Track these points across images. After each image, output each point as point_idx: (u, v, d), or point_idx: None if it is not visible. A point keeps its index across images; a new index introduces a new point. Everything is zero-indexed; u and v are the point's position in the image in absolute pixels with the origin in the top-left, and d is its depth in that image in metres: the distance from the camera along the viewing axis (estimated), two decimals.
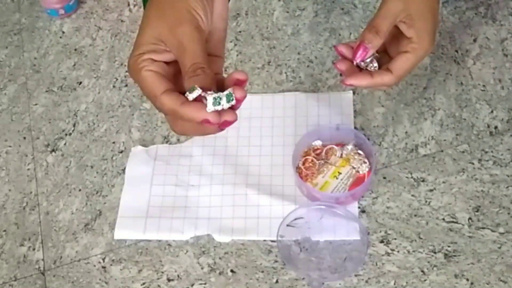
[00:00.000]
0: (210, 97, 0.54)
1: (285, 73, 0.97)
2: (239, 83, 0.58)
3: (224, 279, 0.81)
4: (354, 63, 0.72)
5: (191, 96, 0.55)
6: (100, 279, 0.83)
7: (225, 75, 0.60)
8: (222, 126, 0.56)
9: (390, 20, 0.71)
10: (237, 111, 0.99)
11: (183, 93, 0.56)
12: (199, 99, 0.55)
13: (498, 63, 0.94)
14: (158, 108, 0.57)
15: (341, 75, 0.95)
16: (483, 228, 0.80)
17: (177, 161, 0.91)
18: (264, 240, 0.83)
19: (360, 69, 0.73)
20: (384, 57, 0.74)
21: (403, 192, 0.84)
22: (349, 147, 0.87)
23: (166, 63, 0.59)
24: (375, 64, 0.72)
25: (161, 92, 0.56)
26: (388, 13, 0.71)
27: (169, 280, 0.82)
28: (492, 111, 0.89)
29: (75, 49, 1.06)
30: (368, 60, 0.72)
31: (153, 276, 0.82)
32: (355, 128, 0.90)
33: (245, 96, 0.56)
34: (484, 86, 0.92)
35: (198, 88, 0.55)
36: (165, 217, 0.86)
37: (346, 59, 0.73)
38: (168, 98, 0.56)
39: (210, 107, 0.54)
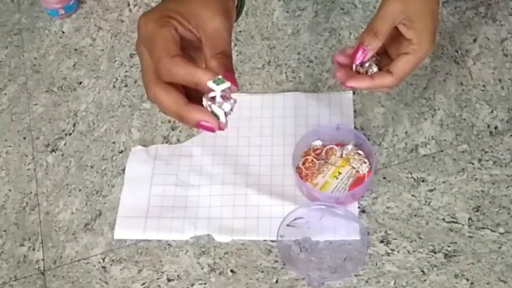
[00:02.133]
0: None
1: (285, 73, 0.97)
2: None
3: (224, 279, 0.81)
4: (353, 66, 0.72)
5: (219, 88, 0.56)
6: (100, 279, 0.83)
7: None
8: (197, 126, 0.58)
9: (389, 22, 0.71)
10: (237, 111, 0.99)
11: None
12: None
13: (498, 63, 0.94)
14: (157, 69, 0.58)
15: None
16: (483, 228, 0.80)
17: (177, 161, 0.91)
18: (264, 240, 0.83)
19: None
20: (384, 59, 0.75)
21: (403, 192, 0.84)
22: (349, 147, 0.87)
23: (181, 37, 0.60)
24: (375, 69, 0.72)
25: (174, 55, 0.57)
26: (386, 15, 0.71)
27: (169, 280, 0.82)
28: (492, 111, 0.89)
29: (75, 49, 1.06)
30: (367, 64, 0.72)
31: (153, 276, 0.82)
32: (355, 128, 0.90)
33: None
34: (484, 86, 0.92)
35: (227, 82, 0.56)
36: (165, 217, 0.86)
37: (344, 66, 0.73)
38: (182, 63, 0.57)
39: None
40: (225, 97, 0.57)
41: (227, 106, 0.57)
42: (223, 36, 0.60)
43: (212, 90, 0.57)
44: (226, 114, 0.58)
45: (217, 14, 0.60)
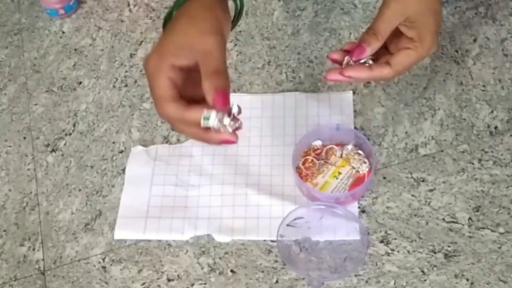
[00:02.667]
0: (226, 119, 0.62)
1: (285, 73, 0.97)
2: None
3: (224, 279, 0.81)
4: (345, 59, 0.73)
5: (205, 123, 0.61)
6: (100, 279, 0.83)
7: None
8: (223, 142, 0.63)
9: (389, 24, 0.71)
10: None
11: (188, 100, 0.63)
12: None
13: (498, 63, 0.94)
14: (161, 111, 0.63)
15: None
16: (483, 228, 0.80)
17: (177, 161, 0.91)
18: (264, 240, 0.83)
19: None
20: (384, 53, 0.74)
21: (403, 192, 0.84)
22: (349, 147, 0.87)
23: (180, 69, 0.64)
24: (370, 63, 0.73)
25: (170, 99, 0.62)
26: (386, 17, 0.72)
27: (169, 280, 0.82)
28: (492, 111, 0.89)
29: (75, 49, 1.06)
30: (363, 61, 0.73)
31: (153, 276, 0.82)
32: (355, 128, 0.90)
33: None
34: (484, 86, 0.92)
35: (213, 113, 0.61)
36: (165, 217, 0.86)
37: (339, 63, 0.74)
38: (174, 104, 0.62)
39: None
40: (230, 116, 0.62)
41: (233, 124, 0.62)
42: (214, 55, 0.63)
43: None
44: (237, 129, 0.63)
45: (205, 34, 0.63)
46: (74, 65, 1.04)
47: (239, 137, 0.93)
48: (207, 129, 0.62)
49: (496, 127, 0.88)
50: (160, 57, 0.63)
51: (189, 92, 0.64)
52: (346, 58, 0.73)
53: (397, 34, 0.73)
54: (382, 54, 0.74)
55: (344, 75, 0.72)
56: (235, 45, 1.02)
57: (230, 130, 0.62)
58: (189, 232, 0.84)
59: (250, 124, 0.93)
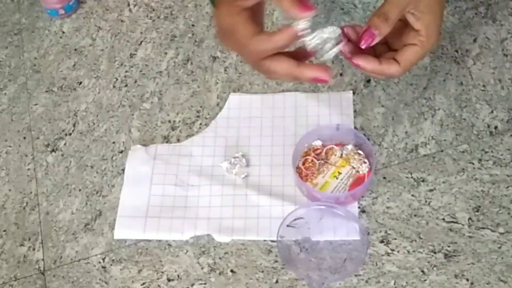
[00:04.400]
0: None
1: None
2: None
3: (224, 279, 0.81)
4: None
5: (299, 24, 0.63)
6: (100, 279, 0.83)
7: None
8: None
9: (400, 8, 0.69)
10: (237, 111, 0.99)
11: None
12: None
13: (498, 63, 0.94)
14: (252, 49, 0.66)
15: (341, 75, 0.95)
16: (483, 228, 0.80)
17: (177, 160, 0.91)
18: (264, 240, 0.83)
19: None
20: (383, 49, 0.74)
21: (403, 192, 0.84)
22: (349, 147, 0.87)
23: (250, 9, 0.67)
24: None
25: (253, 34, 0.65)
26: (397, 1, 0.69)
27: (169, 280, 0.82)
28: (492, 111, 0.89)
29: (75, 49, 1.06)
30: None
31: (153, 276, 0.82)
32: (355, 128, 0.90)
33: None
34: (484, 86, 0.92)
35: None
36: (165, 217, 0.86)
37: (351, 42, 0.71)
38: (262, 36, 0.65)
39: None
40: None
41: (325, 33, 0.65)
42: None
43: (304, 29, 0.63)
44: (329, 43, 0.66)
45: None
46: (74, 65, 1.04)
47: (239, 137, 0.93)
48: (299, 64, 0.65)
49: (496, 127, 0.88)
50: (229, 4, 0.66)
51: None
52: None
53: (398, 27, 0.72)
54: (382, 51, 0.74)
55: (353, 62, 0.70)
56: None
57: (332, 53, 0.65)
58: (189, 232, 0.84)
59: (250, 124, 0.93)
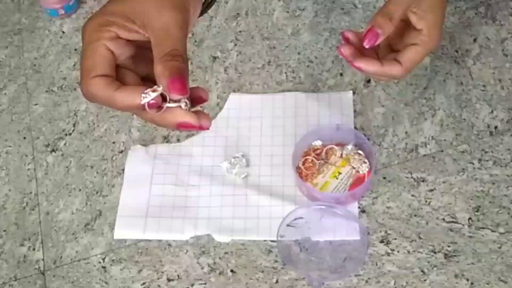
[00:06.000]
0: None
1: (285, 73, 0.97)
2: (200, 101, 0.55)
3: (224, 279, 0.81)
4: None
5: (147, 98, 0.52)
6: (100, 279, 0.83)
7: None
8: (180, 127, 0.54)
9: (403, 7, 0.69)
10: (237, 111, 0.99)
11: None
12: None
13: (498, 63, 0.94)
14: (84, 89, 0.54)
15: (341, 75, 0.95)
16: (483, 228, 0.80)
17: (177, 160, 0.91)
18: (264, 240, 0.83)
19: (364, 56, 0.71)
20: (385, 51, 0.74)
21: (403, 192, 0.84)
22: (349, 147, 0.87)
23: (128, 42, 0.55)
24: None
25: (97, 74, 0.53)
26: (401, 0, 0.69)
27: (169, 280, 0.82)
28: (492, 111, 0.89)
29: (75, 49, 1.06)
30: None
31: (153, 276, 0.82)
32: (355, 128, 0.90)
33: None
34: (484, 86, 0.92)
35: (159, 90, 0.51)
36: (165, 217, 0.86)
37: (350, 45, 0.70)
38: (103, 82, 0.52)
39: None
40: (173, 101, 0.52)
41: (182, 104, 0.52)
42: (172, 33, 0.53)
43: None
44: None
45: (165, 7, 0.54)
46: (74, 65, 1.04)
47: (239, 137, 0.93)
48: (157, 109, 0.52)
49: (496, 127, 0.88)
50: (103, 23, 0.53)
51: (143, 71, 0.56)
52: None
53: (401, 29, 0.72)
54: (385, 53, 0.74)
55: (355, 65, 0.69)
56: (235, 45, 1.02)
57: (184, 107, 0.52)
58: (189, 232, 0.84)
59: (250, 124, 0.93)
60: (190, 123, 0.53)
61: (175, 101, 0.52)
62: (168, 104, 0.52)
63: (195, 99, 0.55)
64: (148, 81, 0.55)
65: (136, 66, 0.56)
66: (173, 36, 0.53)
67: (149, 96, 0.52)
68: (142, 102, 0.52)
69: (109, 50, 0.54)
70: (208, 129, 0.54)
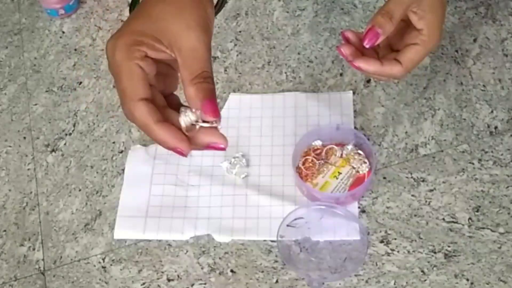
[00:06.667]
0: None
1: (285, 73, 0.97)
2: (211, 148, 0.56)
3: (224, 279, 0.81)
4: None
5: (187, 119, 0.53)
6: (100, 279, 0.83)
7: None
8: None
9: (403, 7, 0.69)
10: (237, 111, 1.00)
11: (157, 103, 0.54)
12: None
13: (498, 63, 0.94)
14: (126, 110, 0.54)
15: (341, 75, 0.95)
16: (483, 228, 0.80)
17: (177, 160, 0.90)
18: (264, 240, 0.83)
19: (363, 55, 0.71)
20: (385, 51, 0.74)
21: (403, 192, 0.84)
22: (349, 147, 0.87)
23: (155, 60, 0.55)
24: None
25: (140, 98, 0.53)
26: (401, 0, 0.69)
27: (169, 280, 0.82)
28: (492, 111, 0.89)
29: (75, 49, 1.06)
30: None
31: (153, 276, 0.82)
32: (355, 128, 0.90)
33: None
34: (484, 86, 0.92)
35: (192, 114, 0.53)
36: (165, 217, 0.86)
37: (350, 44, 0.70)
38: (146, 108, 0.53)
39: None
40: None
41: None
42: (201, 54, 0.54)
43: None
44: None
45: (192, 27, 0.54)
46: (74, 65, 1.04)
47: (239, 137, 0.93)
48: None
49: (496, 127, 0.88)
50: (133, 42, 0.53)
51: (160, 87, 0.56)
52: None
53: (402, 29, 0.72)
54: (385, 53, 0.74)
55: (355, 65, 0.69)
56: (235, 45, 1.02)
57: (218, 125, 0.54)
58: (189, 232, 0.84)
59: (250, 124, 0.93)
60: (219, 145, 0.55)
61: (205, 121, 0.54)
62: (202, 124, 0.53)
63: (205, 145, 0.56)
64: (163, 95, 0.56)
65: (156, 82, 0.56)
66: (202, 57, 0.54)
67: (190, 119, 0.53)
68: (183, 125, 0.54)
69: (143, 70, 0.54)
70: (225, 149, 0.56)
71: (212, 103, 0.53)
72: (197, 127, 0.54)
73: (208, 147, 0.54)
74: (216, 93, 0.54)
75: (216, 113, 0.53)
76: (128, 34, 0.55)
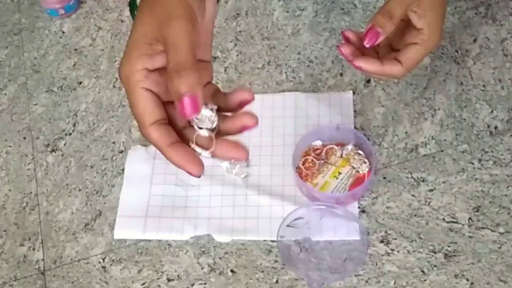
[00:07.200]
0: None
1: (285, 73, 0.97)
2: (243, 104, 0.55)
3: (224, 279, 0.81)
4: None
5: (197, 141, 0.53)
6: (100, 279, 0.83)
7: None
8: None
9: (403, 6, 0.69)
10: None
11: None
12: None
13: (498, 63, 0.94)
14: (143, 135, 0.53)
15: (341, 75, 0.95)
16: (483, 228, 0.80)
17: None
18: (264, 240, 0.83)
19: (364, 55, 0.71)
20: (386, 50, 0.74)
21: (403, 192, 0.84)
22: (349, 147, 0.87)
23: (161, 70, 0.53)
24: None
25: (150, 123, 0.51)
26: None
27: (169, 280, 0.82)
28: (492, 111, 0.89)
29: (75, 49, 1.06)
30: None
31: (153, 276, 0.82)
32: (355, 128, 0.90)
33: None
34: (484, 86, 0.92)
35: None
36: (165, 217, 0.86)
37: (351, 44, 0.70)
38: (156, 133, 0.52)
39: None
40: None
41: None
42: (179, 45, 0.50)
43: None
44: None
45: (170, 18, 0.51)
46: (74, 65, 1.04)
47: (239, 138, 0.93)
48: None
49: (496, 127, 0.88)
50: (130, 61, 0.52)
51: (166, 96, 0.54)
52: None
53: (402, 28, 0.72)
54: (385, 53, 0.74)
55: (355, 64, 0.69)
56: (235, 45, 1.02)
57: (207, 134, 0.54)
58: (189, 232, 0.84)
59: None
60: (241, 159, 0.54)
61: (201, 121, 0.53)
62: (199, 131, 0.53)
63: (237, 104, 0.56)
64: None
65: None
66: (181, 47, 0.50)
67: (203, 133, 0.53)
68: (196, 150, 0.54)
69: (149, 90, 0.52)
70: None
71: (190, 98, 0.49)
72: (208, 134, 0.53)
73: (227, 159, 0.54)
74: (199, 85, 0.49)
75: (195, 110, 0.49)
76: (127, 58, 0.53)
